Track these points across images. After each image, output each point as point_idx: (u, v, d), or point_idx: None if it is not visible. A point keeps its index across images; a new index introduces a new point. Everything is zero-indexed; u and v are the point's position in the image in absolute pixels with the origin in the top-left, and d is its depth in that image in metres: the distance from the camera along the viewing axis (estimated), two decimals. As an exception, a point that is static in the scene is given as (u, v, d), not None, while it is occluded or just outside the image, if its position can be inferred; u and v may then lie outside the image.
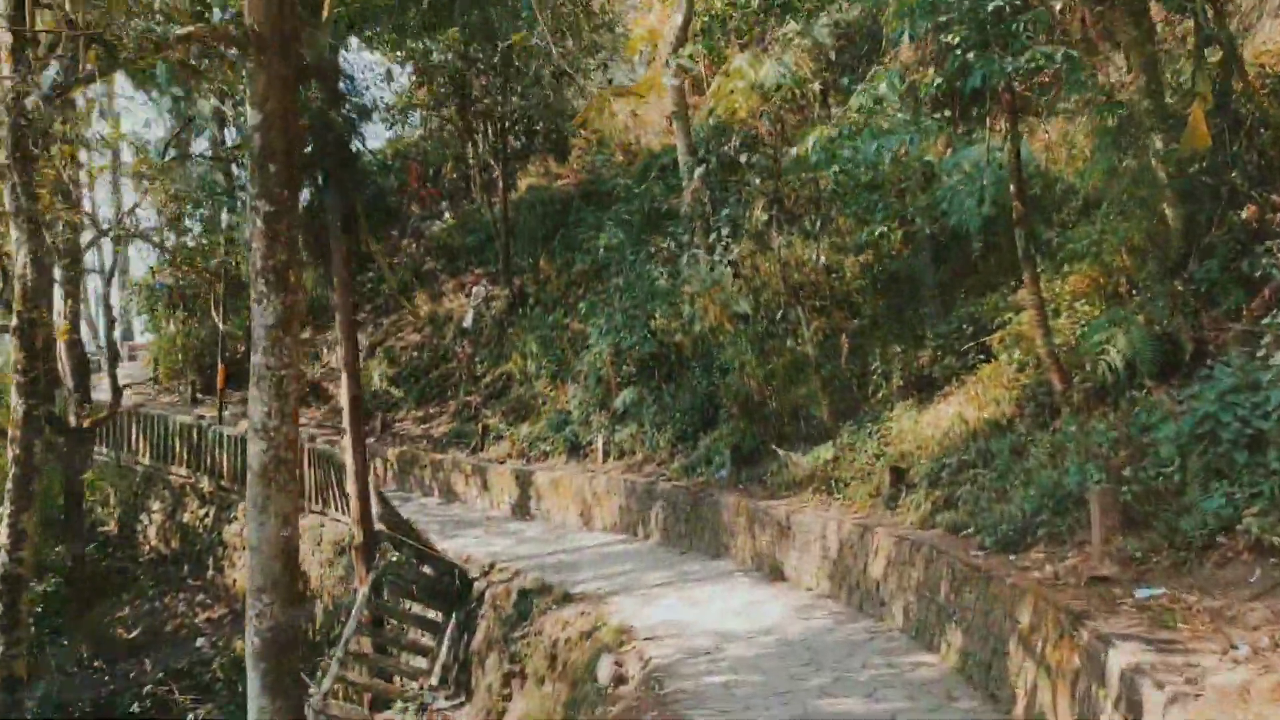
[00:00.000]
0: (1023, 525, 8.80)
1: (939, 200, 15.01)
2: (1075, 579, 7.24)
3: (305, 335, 29.52)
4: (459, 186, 31.76)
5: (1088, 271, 11.29)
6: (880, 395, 14.09)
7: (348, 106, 13.84)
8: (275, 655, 7.49)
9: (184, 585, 21.83)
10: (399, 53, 27.14)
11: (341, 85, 13.58)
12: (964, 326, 13.44)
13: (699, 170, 15.16)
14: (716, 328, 18.00)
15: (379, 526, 14.45)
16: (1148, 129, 10.61)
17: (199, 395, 29.31)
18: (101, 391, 30.35)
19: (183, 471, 22.90)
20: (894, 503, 11.43)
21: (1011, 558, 8.45)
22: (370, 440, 23.62)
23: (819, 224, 14.99)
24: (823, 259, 16.03)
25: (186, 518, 22.54)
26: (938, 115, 17.36)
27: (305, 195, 13.63)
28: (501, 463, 20.28)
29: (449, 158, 30.52)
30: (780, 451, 14.21)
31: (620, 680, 9.76)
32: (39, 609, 16.94)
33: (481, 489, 20.25)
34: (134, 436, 24.58)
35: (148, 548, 23.35)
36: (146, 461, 24.05)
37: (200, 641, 19.65)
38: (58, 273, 21.31)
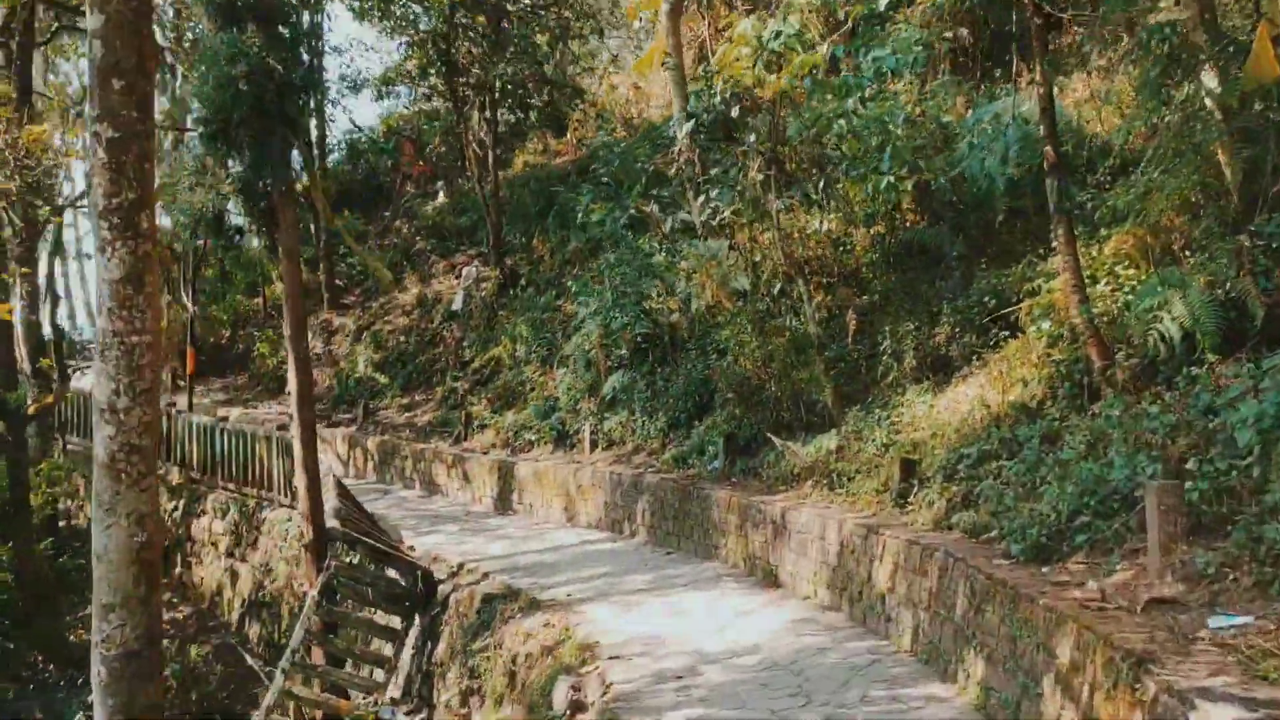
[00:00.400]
0: (1057, 529, 7.24)
1: (957, 161, 13.50)
2: (1128, 600, 5.68)
3: (291, 320, 28.16)
4: (454, 165, 30.27)
5: (1132, 230, 9.67)
6: (890, 378, 12.53)
7: (297, 54, 12.31)
8: (127, 689, 6.03)
9: (149, 583, 20.50)
10: (386, 21, 25.73)
11: (285, 30, 12.02)
12: (985, 300, 11.87)
13: (687, 126, 13.60)
14: (714, 306, 16.53)
15: (332, 523, 12.99)
16: (1202, 60, 9.00)
17: (178, 382, 27.97)
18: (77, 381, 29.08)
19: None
20: (904, 500, 9.89)
21: (1044, 570, 6.90)
22: (351, 429, 22.27)
23: (822, 188, 13.40)
24: (828, 226, 14.47)
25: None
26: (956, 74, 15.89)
27: (246, 156, 12.17)
28: (485, 453, 18.83)
29: (437, 131, 29.03)
30: (778, 441, 12.68)
31: (577, 708, 8.27)
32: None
33: (463, 481, 18.80)
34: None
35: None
36: (116, 452, 22.76)
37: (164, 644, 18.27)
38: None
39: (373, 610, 13.34)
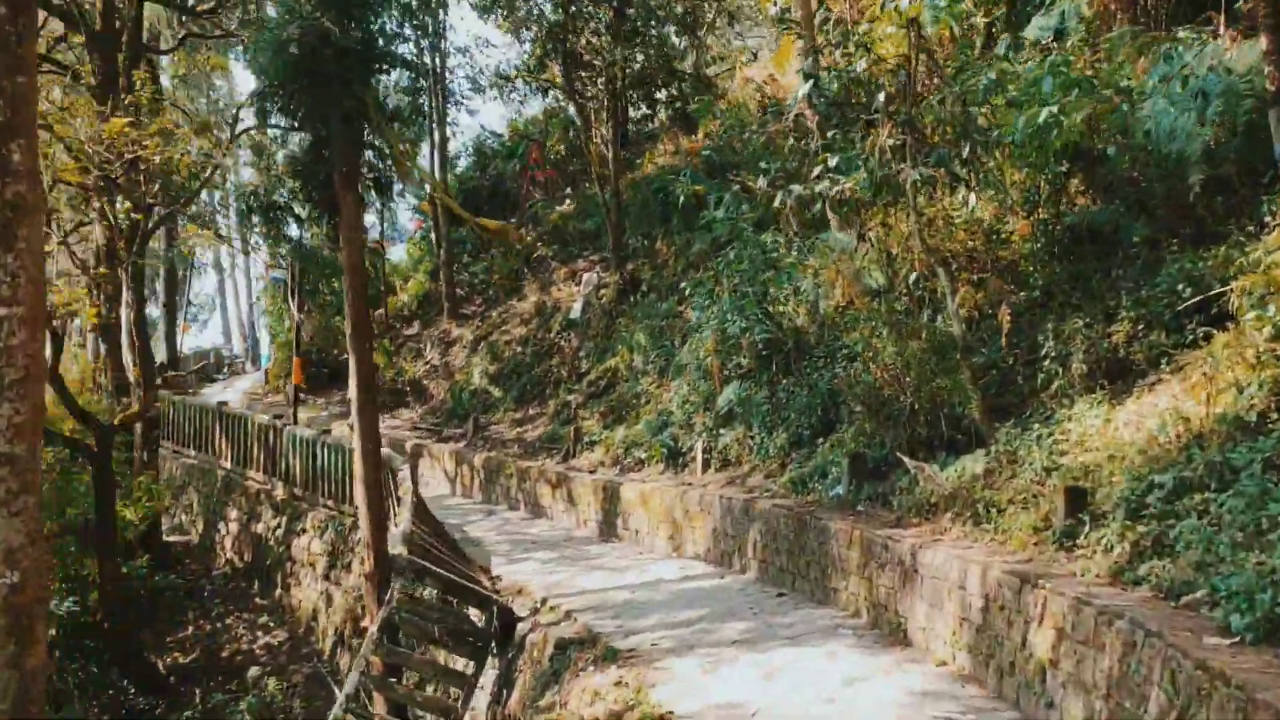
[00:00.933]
0: (1303, 596, 4.93)
1: (1142, 123, 11.05)
2: None
3: (412, 330, 27.27)
4: (581, 169, 28.92)
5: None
6: (1054, 387, 10.17)
7: (360, 15, 10.90)
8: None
9: (250, 604, 19.61)
10: (508, 18, 24.56)
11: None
12: (1178, 289, 9.42)
13: (805, 87, 11.55)
14: (845, 307, 14.41)
15: (398, 549, 11.46)
16: None
17: (303, 395, 27.41)
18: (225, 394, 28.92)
19: (259, 477, 20.75)
20: (1070, 541, 7.60)
21: (1287, 659, 4.62)
22: (460, 445, 20.98)
23: (969, 158, 11.13)
24: (977, 210, 12.18)
25: (260, 528, 20.33)
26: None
27: (306, 137, 10.84)
28: (592, 472, 17.12)
29: (556, 128, 27.68)
30: (911, 463, 10.48)
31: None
32: (56, 631, 14.73)
33: (567, 503, 17.13)
34: (217, 438, 22.75)
35: (223, 560, 21.36)
36: (228, 465, 22.16)
37: (253, 671, 17.25)
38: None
39: (441, 650, 11.74)
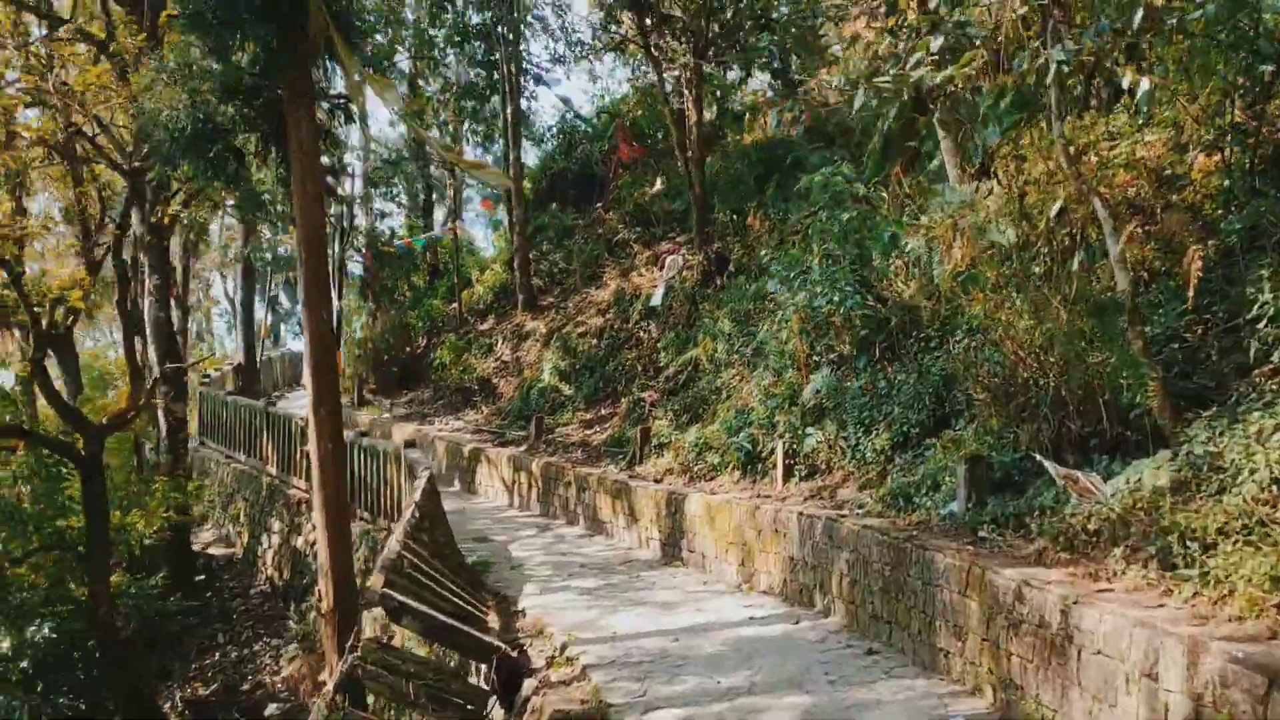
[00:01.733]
0: None
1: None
2: None
3: (486, 325, 24.93)
4: (670, 146, 26.13)
5: None
6: (1275, 361, 6.90)
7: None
8: None
9: (282, 628, 17.42)
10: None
11: None
12: None
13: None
14: (965, 273, 11.23)
15: (374, 581, 8.82)
16: None
17: (366, 396, 25.37)
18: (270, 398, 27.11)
19: (302, 484, 18.56)
20: (1346, 605, 4.41)
21: None
22: (520, 449, 18.39)
23: (1133, 61, 7.90)
24: (1146, 136, 8.92)
25: (299, 543, 18.14)
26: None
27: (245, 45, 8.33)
28: (657, 481, 14.25)
29: (643, 105, 24.94)
30: (1056, 470, 7.32)
31: None
32: (27, 662, 12.68)
33: (628, 517, 14.32)
34: (264, 440, 20.76)
35: (263, 577, 19.31)
36: (273, 471, 20.12)
37: (270, 709, 14.97)
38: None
39: (417, 715, 9.04)
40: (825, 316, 12.46)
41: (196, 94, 8.19)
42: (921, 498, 9.16)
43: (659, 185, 25.38)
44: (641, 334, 20.00)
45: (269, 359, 36.62)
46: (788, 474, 11.96)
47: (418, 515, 11.05)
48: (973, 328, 10.31)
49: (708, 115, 25.97)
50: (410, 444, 15.04)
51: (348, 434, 17.04)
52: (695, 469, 13.98)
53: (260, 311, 38.35)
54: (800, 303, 12.77)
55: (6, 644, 12.57)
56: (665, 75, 21.13)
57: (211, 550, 20.87)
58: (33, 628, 12.95)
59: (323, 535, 8.52)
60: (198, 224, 27.23)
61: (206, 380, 25.74)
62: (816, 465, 11.78)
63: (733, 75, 23.68)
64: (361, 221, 28.72)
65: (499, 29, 23.45)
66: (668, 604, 10.62)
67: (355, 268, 29.08)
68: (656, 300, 20.34)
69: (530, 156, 29.71)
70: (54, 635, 13.13)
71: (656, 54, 20.31)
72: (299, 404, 21.90)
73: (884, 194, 13.40)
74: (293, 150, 8.38)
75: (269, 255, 32.15)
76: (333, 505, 8.42)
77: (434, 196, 29.45)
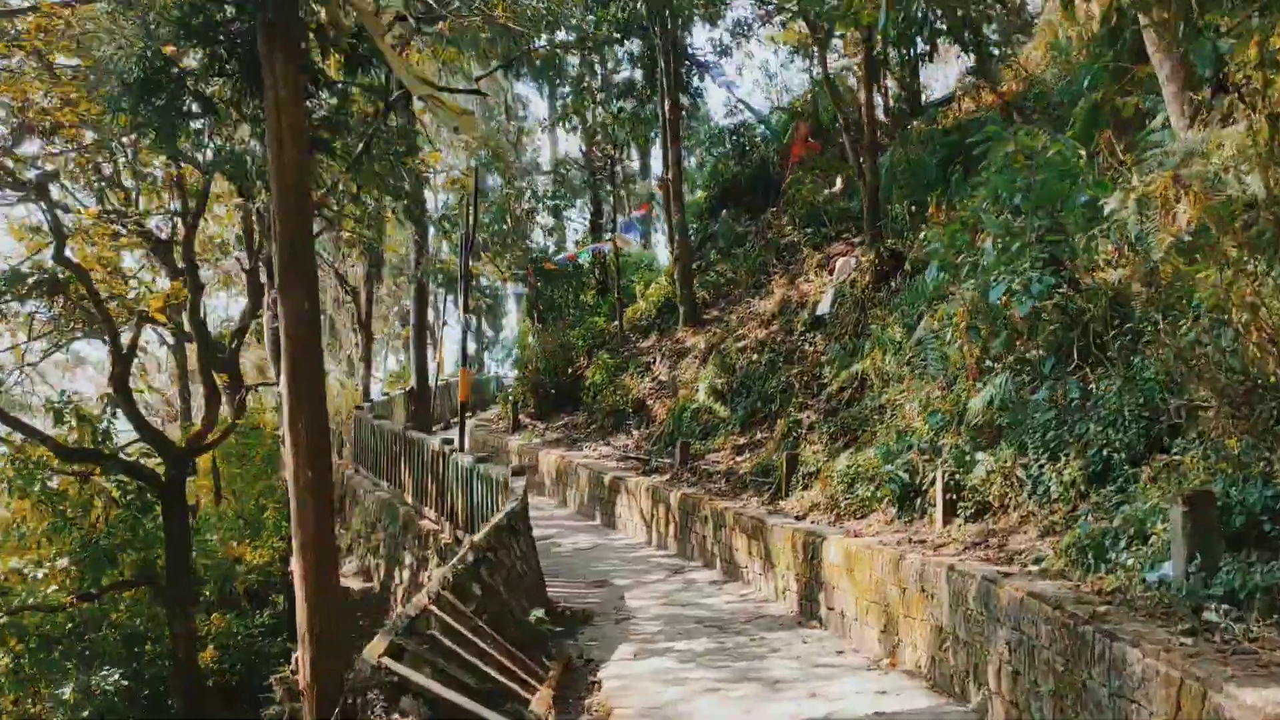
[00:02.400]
0: None
1: None
2: None
3: (648, 342, 22.95)
4: (857, 138, 23.47)
5: None
6: None
7: None
8: None
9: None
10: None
11: None
12: None
13: None
14: (1188, 245, 8.28)
15: (371, 650, 6.83)
16: None
17: (522, 420, 23.86)
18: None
19: (432, 515, 17.09)
20: None
21: None
22: (663, 479, 16.21)
23: None
24: None
25: (425, 578, 16.60)
26: None
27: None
28: (800, 518, 11.71)
29: (823, 97, 22.38)
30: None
31: None
32: (91, 710, 11.50)
33: (764, 562, 11.85)
34: (402, 467, 19.50)
35: (395, 613, 17.88)
36: (409, 500, 18.80)
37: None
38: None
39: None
40: (1001, 309, 9.66)
41: (149, 27, 6.58)
42: (1119, 553, 6.35)
43: (838, 184, 22.76)
44: (806, 346, 17.45)
45: (446, 384, 36.10)
46: (949, 512, 9.23)
47: (480, 554, 9.05)
48: (1201, 314, 7.40)
49: (890, 100, 23.29)
50: (519, 471, 13.16)
51: (465, 459, 15.42)
52: (844, 504, 11.37)
53: (456, 334, 38.14)
54: (968, 293, 10.02)
55: (68, 691, 11.42)
56: (841, 59, 18.69)
57: (350, 583, 19.70)
58: (105, 671, 11.75)
59: (300, 587, 6.65)
60: (364, 241, 26.74)
61: (363, 406, 24.97)
62: (986, 502, 9.00)
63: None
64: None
65: (655, 17, 21.53)
66: (779, 683, 8.13)
67: (519, 286, 27.90)
68: (823, 308, 17.80)
69: (691, 160, 27.73)
70: (126, 681, 11.93)
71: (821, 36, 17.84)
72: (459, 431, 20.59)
73: (1082, 153, 10.46)
74: (266, 94, 6.63)
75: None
76: (313, 550, 6.56)
77: (605, 208, 27.85)
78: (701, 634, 10.14)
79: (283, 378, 6.61)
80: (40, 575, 11.77)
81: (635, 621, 10.91)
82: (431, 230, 33.47)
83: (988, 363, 9.89)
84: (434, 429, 32.10)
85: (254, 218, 16.34)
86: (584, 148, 26.68)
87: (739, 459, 15.85)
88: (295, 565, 6.76)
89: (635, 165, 34.36)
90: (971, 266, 10.10)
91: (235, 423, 13.76)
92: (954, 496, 9.22)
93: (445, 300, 35.07)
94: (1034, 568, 7.02)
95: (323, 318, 38.26)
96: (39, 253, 13.39)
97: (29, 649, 12.09)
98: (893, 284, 16.03)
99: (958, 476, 9.32)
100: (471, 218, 19.37)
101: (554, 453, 19.99)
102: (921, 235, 11.11)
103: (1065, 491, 7.94)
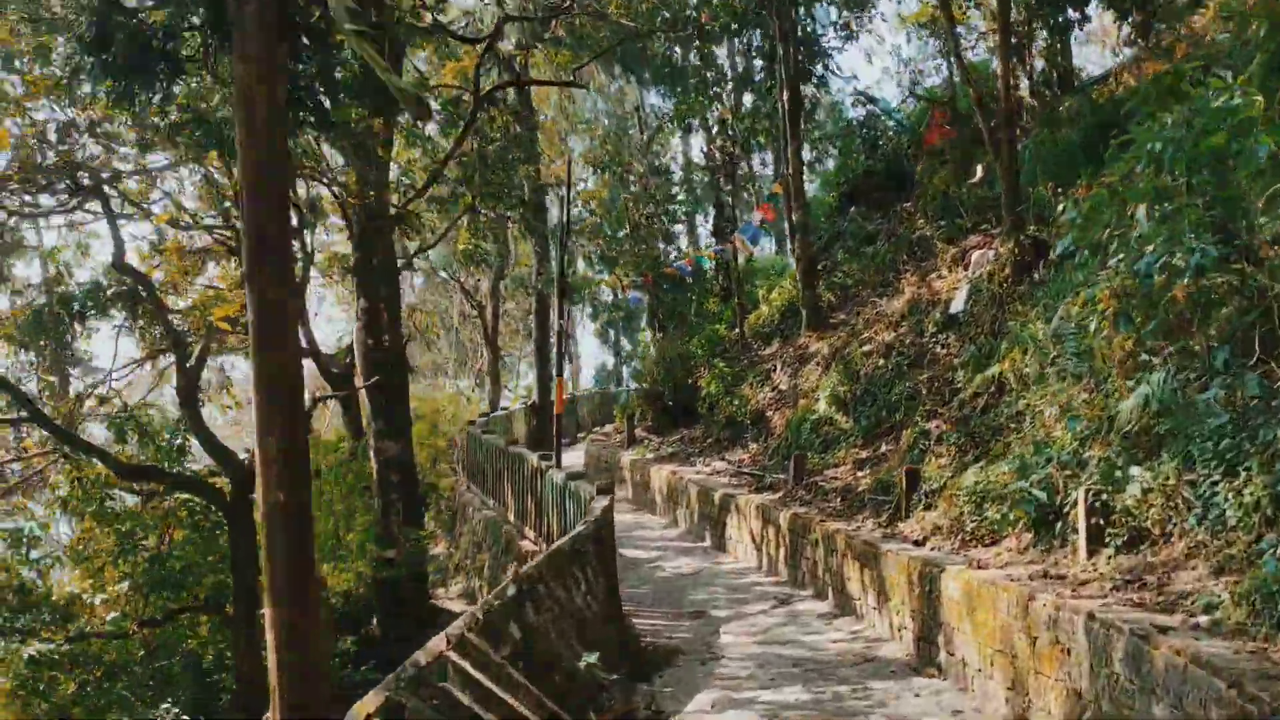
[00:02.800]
0: None
1: None
2: None
3: (771, 349, 21.43)
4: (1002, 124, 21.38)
5: None
6: None
7: None
8: None
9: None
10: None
11: None
12: None
13: None
14: None
15: (360, 710, 5.63)
16: None
17: (638, 434, 22.62)
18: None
19: (531, 535, 16.04)
20: None
21: None
22: (775, 496, 14.72)
23: None
24: None
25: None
26: None
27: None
28: (919, 543, 10.04)
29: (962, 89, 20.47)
30: None
31: None
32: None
33: (878, 594, 10.22)
34: (505, 484, 18.56)
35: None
36: (511, 519, 17.84)
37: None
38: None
39: None
40: (1158, 289, 7.86)
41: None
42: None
43: (977, 173, 20.75)
44: (937, 349, 15.65)
45: (573, 397, 35.27)
46: (1095, 541, 7.48)
47: (526, 587, 7.80)
48: None
49: (1037, 80, 21.20)
50: (605, 489, 11.88)
51: (558, 475, 14.27)
52: (970, 527, 9.66)
53: (593, 348, 37.49)
54: (1118, 271, 8.24)
55: (124, 723, 10.74)
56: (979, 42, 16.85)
57: (453, 605, 18.85)
58: (166, 704, 11.02)
59: (272, 639, 5.53)
60: (481, 253, 26.10)
61: (475, 421, 24.25)
62: (1142, 528, 7.22)
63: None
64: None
65: (771, 1, 20.08)
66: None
67: (638, 293, 26.76)
68: (957, 306, 15.97)
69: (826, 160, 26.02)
70: (185, 716, 11.18)
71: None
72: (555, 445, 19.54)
73: (1259, 99, 8.53)
74: (234, 45, 5.60)
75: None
76: (285, 591, 5.42)
77: (728, 211, 26.41)
78: (797, 681, 8.64)
79: (254, 382, 5.56)
80: (98, 601, 11.18)
81: (724, 663, 9.49)
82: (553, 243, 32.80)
83: (1142, 356, 8.09)
84: (560, 445, 31.40)
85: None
86: (705, 148, 25.34)
87: (859, 474, 14.19)
88: (268, 613, 5.62)
89: (768, 168, 32.90)
90: (1120, 240, 8.30)
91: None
92: (1100, 521, 7.47)
93: (580, 314, 34.21)
94: (1203, 618, 5.31)
95: (450, 333, 37.89)
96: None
97: (95, 678, 11.50)
98: (1035, 275, 14.12)
99: (1105, 496, 7.56)
100: (566, 215, 18.27)
101: (666, 468, 18.67)
102: (1060, 208, 9.31)
103: (1246, 517, 6.15)
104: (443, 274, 34.95)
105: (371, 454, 15.87)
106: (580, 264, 36.04)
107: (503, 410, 28.32)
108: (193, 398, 11.91)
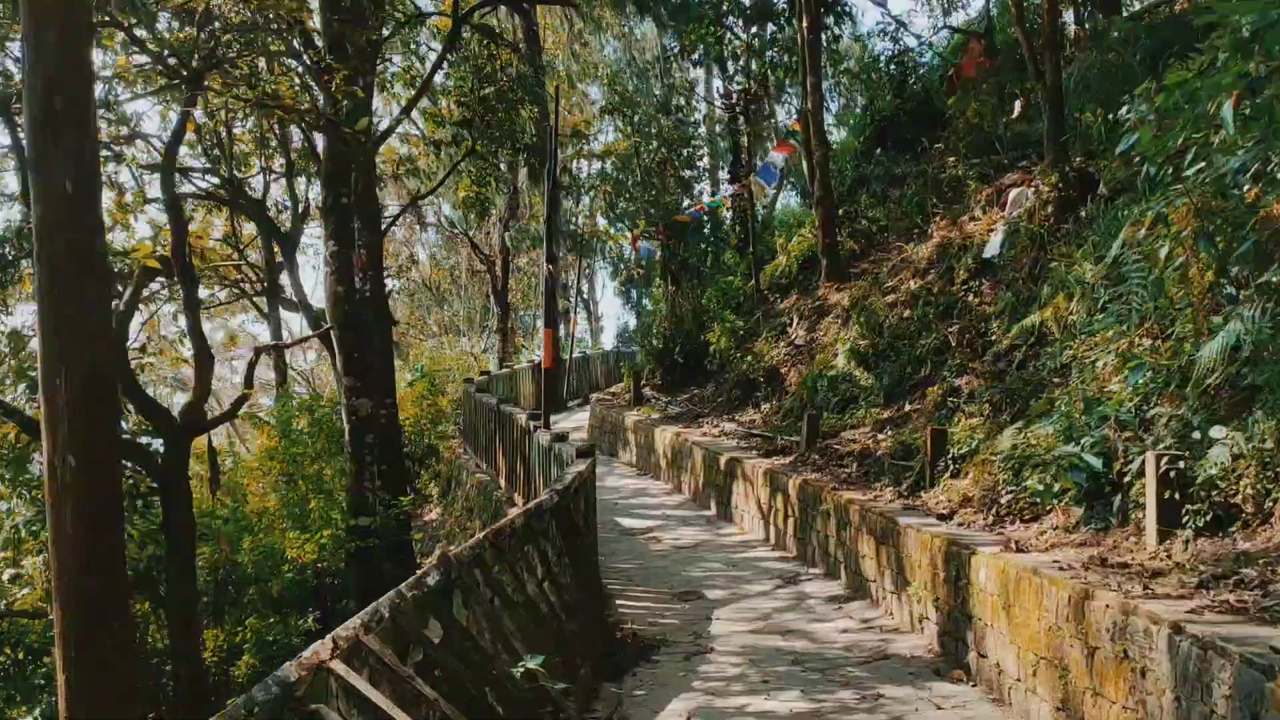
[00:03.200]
0: None
1: None
2: None
3: (788, 302, 19.81)
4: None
5: None
6: None
7: None
8: None
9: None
10: None
11: None
12: None
13: None
14: None
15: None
16: None
17: (645, 393, 21.10)
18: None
19: (520, 502, 14.64)
20: None
21: None
22: (786, 460, 13.23)
23: None
24: None
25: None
26: None
27: None
28: (945, 517, 8.49)
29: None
30: None
31: None
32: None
33: (896, 576, 8.71)
34: (496, 447, 17.22)
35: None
36: (502, 485, 16.54)
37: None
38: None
39: None
40: (1246, 205, 6.24)
41: None
42: None
43: (1016, 108, 18.92)
44: (969, 297, 14.00)
45: (585, 357, 33.79)
46: (1168, 520, 5.91)
47: (454, 574, 6.33)
48: None
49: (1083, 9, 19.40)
50: (585, 452, 10.41)
51: (544, 436, 12.82)
52: (1006, 499, 8.11)
53: (615, 306, 36.09)
54: (1196, 184, 6.60)
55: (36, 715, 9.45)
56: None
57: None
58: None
59: (59, 653, 4.11)
60: (483, 200, 24.56)
61: (478, 378, 22.89)
62: (1231, 504, 5.66)
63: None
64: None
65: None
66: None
67: (648, 243, 25.14)
68: (992, 249, 14.31)
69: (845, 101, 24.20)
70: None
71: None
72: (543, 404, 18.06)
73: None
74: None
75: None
76: (74, 587, 3.98)
77: (744, 155, 24.57)
78: (795, 684, 7.17)
79: (36, 308, 4.14)
80: (5, 578, 9.89)
81: (712, 658, 8.03)
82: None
83: (1226, 289, 6.48)
84: (569, 406, 29.91)
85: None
86: (722, 87, 23.58)
87: (879, 437, 12.63)
88: (57, 653, 4.20)
89: (791, 117, 31.01)
90: (1200, 146, 6.64)
91: (245, 394, 11.56)
92: (1175, 494, 5.90)
93: (600, 273, 32.67)
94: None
95: (459, 288, 36.36)
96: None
97: (16, 660, 10.25)
98: (1082, 213, 12.46)
99: (1181, 464, 5.99)
100: (553, 144, 16.77)
101: (670, 430, 17.18)
102: (1123, 110, 7.64)
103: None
104: (453, 227, 33.42)
105: (343, 413, 14.48)
106: (600, 220, 34.45)
107: (505, 370, 26.89)
108: (120, 348, 10.49)
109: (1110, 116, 13.50)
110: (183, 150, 16.57)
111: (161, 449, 10.40)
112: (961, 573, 7.16)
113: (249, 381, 12.00)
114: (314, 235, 23.97)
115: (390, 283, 28.97)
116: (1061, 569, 5.91)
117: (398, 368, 28.00)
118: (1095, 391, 8.14)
